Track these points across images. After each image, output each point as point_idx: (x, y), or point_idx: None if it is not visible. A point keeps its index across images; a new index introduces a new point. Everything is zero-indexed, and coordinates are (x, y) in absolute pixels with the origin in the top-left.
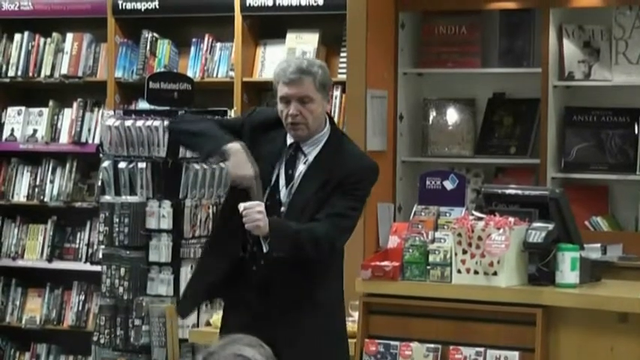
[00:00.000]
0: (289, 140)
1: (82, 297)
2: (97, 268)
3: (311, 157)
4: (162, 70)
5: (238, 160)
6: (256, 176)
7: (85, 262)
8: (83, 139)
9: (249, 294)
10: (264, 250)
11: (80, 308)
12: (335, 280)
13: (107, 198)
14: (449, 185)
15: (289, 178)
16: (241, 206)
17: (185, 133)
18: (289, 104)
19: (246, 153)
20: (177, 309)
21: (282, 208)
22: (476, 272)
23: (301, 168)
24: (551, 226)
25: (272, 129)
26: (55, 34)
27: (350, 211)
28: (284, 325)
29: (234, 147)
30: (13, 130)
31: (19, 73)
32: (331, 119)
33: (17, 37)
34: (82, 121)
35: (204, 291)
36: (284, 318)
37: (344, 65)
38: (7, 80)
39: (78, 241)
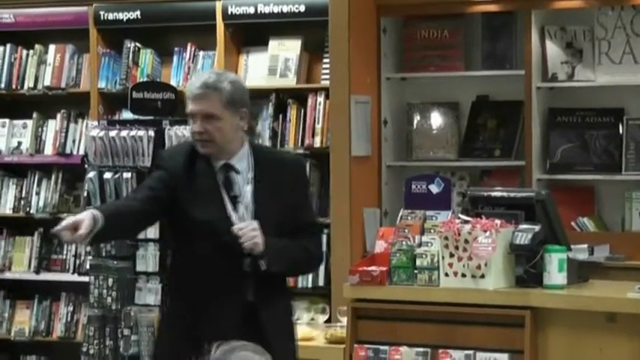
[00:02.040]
0: (216, 165)
1: (71, 308)
2: (85, 278)
3: (251, 175)
4: (146, 79)
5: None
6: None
7: (73, 273)
8: (68, 151)
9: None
10: (263, 268)
11: (69, 319)
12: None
13: None
14: (434, 189)
15: (234, 200)
16: (235, 227)
17: None
18: (196, 121)
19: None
20: None
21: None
22: (463, 275)
23: (247, 188)
24: (537, 228)
25: (193, 166)
26: (37, 46)
27: (315, 216)
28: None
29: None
30: None
31: (2, 85)
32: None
33: None
34: (67, 132)
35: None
36: (270, 329)
37: (327, 71)
38: None
39: (65, 253)
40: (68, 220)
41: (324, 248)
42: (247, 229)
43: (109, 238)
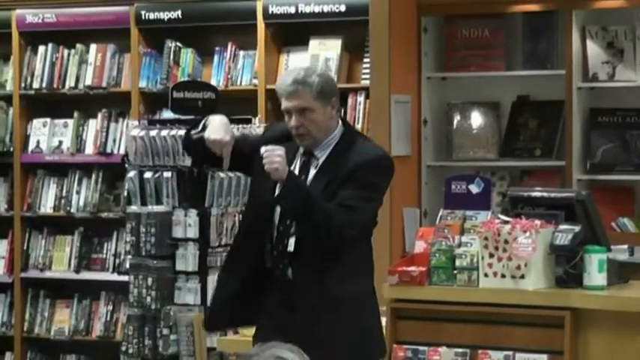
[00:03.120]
0: (301, 149)
1: (110, 307)
2: (125, 278)
3: (321, 160)
4: (186, 79)
5: (215, 126)
6: (230, 143)
7: (113, 272)
8: (108, 150)
9: (271, 298)
10: (276, 193)
11: (108, 318)
12: (360, 277)
13: (133, 208)
14: (474, 189)
15: None
16: (263, 149)
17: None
18: (291, 116)
19: (225, 123)
20: (205, 325)
21: None
22: (503, 276)
23: (311, 172)
24: (577, 228)
25: (286, 141)
26: (78, 46)
27: (360, 201)
28: (306, 323)
29: (214, 116)
30: (38, 142)
31: (44, 85)
32: (344, 120)
33: (41, 49)
34: (107, 131)
35: (227, 302)
36: (306, 316)
37: (367, 71)
38: (32, 92)
39: (105, 252)
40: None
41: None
42: (272, 152)
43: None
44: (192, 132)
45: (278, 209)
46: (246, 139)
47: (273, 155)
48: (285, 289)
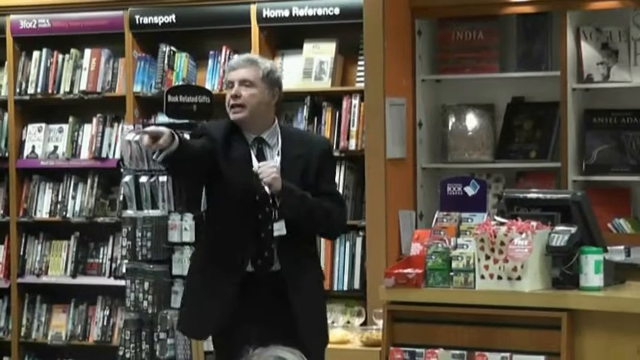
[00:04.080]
0: (249, 138)
1: (107, 312)
2: (121, 282)
3: (279, 147)
4: (181, 83)
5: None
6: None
7: (109, 277)
8: (104, 155)
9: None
10: (278, 205)
11: (105, 323)
12: (318, 264)
13: (129, 212)
14: (470, 191)
15: None
16: (255, 165)
17: None
18: (232, 87)
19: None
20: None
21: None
22: (499, 277)
23: (277, 159)
24: (573, 230)
25: (230, 137)
26: (73, 51)
27: (337, 190)
28: (294, 309)
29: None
30: (34, 147)
31: (39, 90)
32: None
33: (36, 54)
34: (102, 136)
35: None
36: (294, 302)
37: (362, 74)
38: (27, 98)
39: (101, 256)
40: (153, 127)
41: (359, 249)
42: (267, 166)
43: (178, 163)
44: (154, 156)
45: (255, 199)
46: (196, 146)
47: (267, 168)
48: (268, 281)
